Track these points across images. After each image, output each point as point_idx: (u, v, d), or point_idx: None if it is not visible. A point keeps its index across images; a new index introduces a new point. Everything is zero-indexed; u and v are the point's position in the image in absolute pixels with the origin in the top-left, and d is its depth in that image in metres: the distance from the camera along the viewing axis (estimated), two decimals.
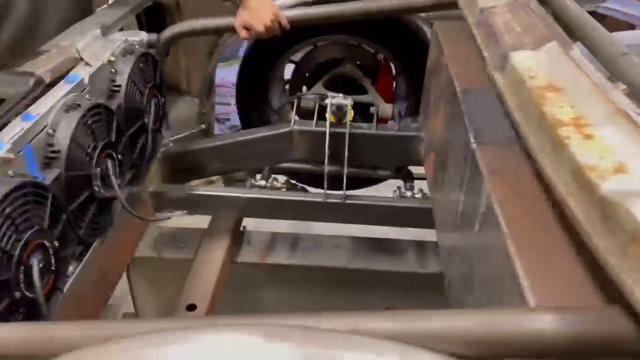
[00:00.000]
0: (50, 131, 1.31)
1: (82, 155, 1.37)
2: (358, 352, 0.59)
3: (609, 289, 0.71)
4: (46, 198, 1.21)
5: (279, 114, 2.39)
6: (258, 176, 2.23)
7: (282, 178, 2.38)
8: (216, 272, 1.97)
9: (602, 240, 0.64)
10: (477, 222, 1.08)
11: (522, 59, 1.00)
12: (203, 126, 2.25)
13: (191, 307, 1.83)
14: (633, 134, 0.73)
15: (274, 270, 2.23)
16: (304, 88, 2.51)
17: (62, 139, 1.31)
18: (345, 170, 1.95)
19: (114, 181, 1.44)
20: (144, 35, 1.86)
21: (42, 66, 1.53)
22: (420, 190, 2.15)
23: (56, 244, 1.22)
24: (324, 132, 1.95)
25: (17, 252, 1.09)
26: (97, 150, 1.42)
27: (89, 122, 1.40)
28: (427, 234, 2.32)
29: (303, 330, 0.61)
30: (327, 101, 1.93)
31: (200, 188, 2.09)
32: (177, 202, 2.03)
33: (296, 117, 2.13)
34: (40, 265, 1.13)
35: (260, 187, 2.15)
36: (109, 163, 1.45)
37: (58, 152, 1.30)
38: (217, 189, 2.11)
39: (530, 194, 0.98)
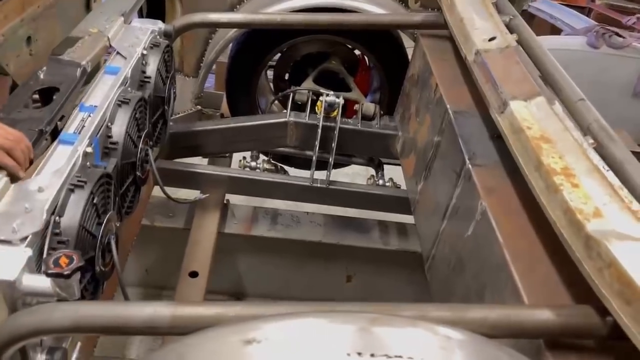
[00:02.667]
0: (109, 124, 1.48)
1: (131, 145, 1.55)
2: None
3: (579, 292, 1.06)
4: (111, 185, 1.40)
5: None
6: (248, 156, 2.45)
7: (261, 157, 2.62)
8: (212, 243, 2.21)
9: (585, 261, 0.98)
10: (471, 227, 1.41)
11: (519, 108, 1.32)
12: (199, 107, 2.43)
13: (194, 274, 2.06)
14: (604, 187, 1.07)
15: (256, 241, 2.49)
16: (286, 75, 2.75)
17: (119, 132, 1.50)
18: (332, 160, 2.23)
19: (154, 165, 1.64)
20: (161, 25, 2.00)
21: (83, 56, 1.69)
22: (391, 179, 2.48)
23: (118, 224, 1.42)
24: (316, 125, 2.22)
25: (99, 234, 1.29)
26: (141, 139, 1.61)
27: (137, 115, 1.58)
28: (389, 216, 2.69)
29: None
30: (322, 98, 2.18)
31: (198, 166, 2.30)
32: (176, 178, 2.24)
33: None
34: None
35: (251, 167, 2.39)
36: (149, 150, 1.65)
37: (116, 143, 1.48)
38: (216, 168, 2.32)
39: (518, 212, 1.32)
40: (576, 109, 1.49)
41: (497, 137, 1.60)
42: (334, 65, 2.56)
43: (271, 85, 2.86)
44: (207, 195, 2.08)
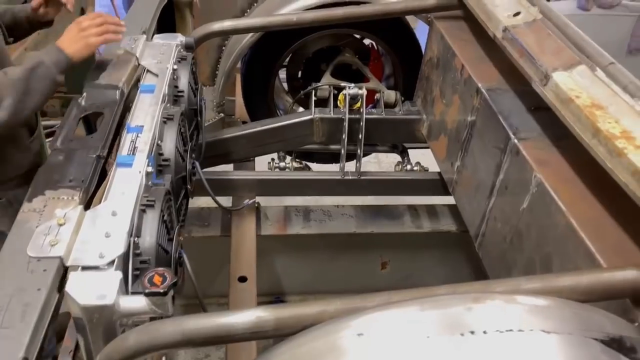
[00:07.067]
0: (159, 142, 1.50)
1: (180, 160, 1.58)
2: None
3: None
4: (171, 201, 1.43)
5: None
6: (276, 158, 2.47)
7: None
8: (253, 246, 2.23)
9: None
10: (527, 200, 1.44)
11: (563, 79, 1.35)
12: (222, 115, 2.45)
13: (242, 279, 2.09)
14: None
15: (292, 240, 2.52)
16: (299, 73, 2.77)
17: (169, 148, 1.52)
18: (361, 151, 2.26)
19: (203, 177, 1.66)
20: (181, 38, 2.01)
21: (118, 78, 1.70)
22: (418, 163, 2.51)
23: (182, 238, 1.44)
24: (341, 118, 2.24)
25: (172, 249, 1.32)
26: (187, 153, 1.63)
27: (182, 130, 1.60)
28: (419, 200, 2.72)
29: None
30: (345, 91, 2.20)
31: (230, 173, 2.32)
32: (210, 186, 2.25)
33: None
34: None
35: (280, 168, 2.41)
36: (196, 163, 1.67)
37: (168, 160, 1.50)
38: (247, 173, 2.35)
39: (574, 180, 1.35)
40: (609, 73, 1.52)
41: (534, 110, 1.65)
42: (348, 57, 2.59)
43: (284, 85, 2.88)
44: (255, 199, 2.11)
